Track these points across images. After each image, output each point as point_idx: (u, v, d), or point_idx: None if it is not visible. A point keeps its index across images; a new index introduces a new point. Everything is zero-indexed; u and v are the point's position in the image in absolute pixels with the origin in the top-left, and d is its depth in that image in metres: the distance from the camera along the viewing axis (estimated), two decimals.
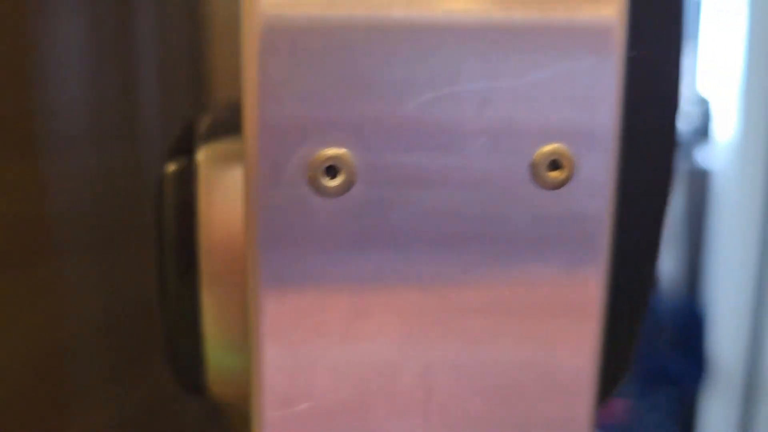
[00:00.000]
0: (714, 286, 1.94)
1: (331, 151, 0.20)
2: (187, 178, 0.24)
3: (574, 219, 0.22)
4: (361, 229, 0.21)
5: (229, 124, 0.26)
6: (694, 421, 1.96)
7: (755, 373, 1.83)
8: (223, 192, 0.24)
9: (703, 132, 2.69)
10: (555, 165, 0.22)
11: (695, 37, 2.80)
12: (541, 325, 0.23)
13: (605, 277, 0.23)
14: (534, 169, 0.21)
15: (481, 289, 0.22)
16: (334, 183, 0.21)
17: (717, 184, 1.95)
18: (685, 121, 3.15)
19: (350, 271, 0.21)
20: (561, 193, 0.22)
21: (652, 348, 1.93)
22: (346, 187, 0.20)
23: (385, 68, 0.19)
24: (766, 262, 1.80)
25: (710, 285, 1.98)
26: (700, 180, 2.01)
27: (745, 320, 1.86)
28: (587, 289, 0.23)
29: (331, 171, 0.20)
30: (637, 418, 1.91)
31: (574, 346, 0.23)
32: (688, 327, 2.01)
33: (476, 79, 0.20)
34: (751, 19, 1.60)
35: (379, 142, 0.20)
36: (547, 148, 0.22)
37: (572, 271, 0.22)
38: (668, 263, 2.07)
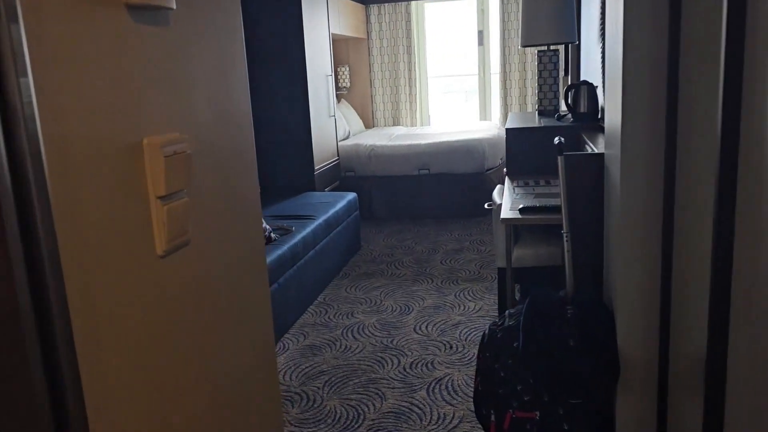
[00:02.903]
0: (618, 277, 1.86)
1: None
2: None
3: None
4: None
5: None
6: (608, 423, 1.91)
7: (668, 367, 1.83)
8: None
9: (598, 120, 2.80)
10: None
11: (597, 41, 2.97)
12: None
13: None
14: None
15: None
16: None
17: (609, 167, 1.97)
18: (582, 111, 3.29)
19: None
20: None
21: (561, 352, 1.86)
22: None
23: None
24: (669, 245, 1.75)
25: (614, 276, 1.90)
26: (598, 163, 2.09)
27: (655, 309, 1.82)
28: None
29: None
30: (551, 427, 1.87)
31: None
32: (597, 325, 1.93)
33: None
34: (626, 30, 1.79)
35: None
36: None
37: None
38: (576, 256, 2.11)
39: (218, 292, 1.06)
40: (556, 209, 2.45)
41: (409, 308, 3.48)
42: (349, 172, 5.57)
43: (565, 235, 2.02)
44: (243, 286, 1.17)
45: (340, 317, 3.41)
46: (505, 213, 2.52)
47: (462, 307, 3.45)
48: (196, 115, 0.96)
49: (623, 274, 1.90)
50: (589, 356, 1.91)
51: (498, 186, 3.13)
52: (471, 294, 3.64)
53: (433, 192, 5.46)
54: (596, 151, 2.49)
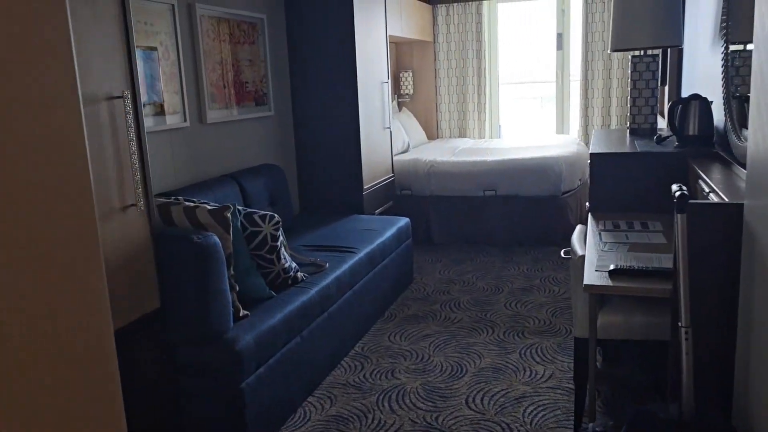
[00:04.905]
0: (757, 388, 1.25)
1: None
2: None
3: None
4: None
5: None
6: None
7: None
8: None
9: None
10: None
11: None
12: None
13: None
14: None
15: None
16: None
17: (753, 225, 1.33)
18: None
19: None
20: None
21: None
22: None
23: None
24: None
25: (761, 394, 1.29)
26: (730, 218, 1.44)
27: None
28: None
29: None
30: None
31: None
32: None
33: None
34: None
35: None
36: None
37: None
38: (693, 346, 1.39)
39: None
40: (662, 275, 1.77)
41: (462, 369, 2.85)
42: (405, 190, 4.99)
43: (684, 330, 1.36)
44: None
45: (378, 376, 2.83)
46: (590, 275, 1.87)
47: (528, 372, 2.79)
48: None
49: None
50: None
51: (578, 228, 2.46)
52: (540, 353, 2.97)
53: (499, 217, 4.79)
54: (718, 193, 1.81)
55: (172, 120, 3.10)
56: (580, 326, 2.16)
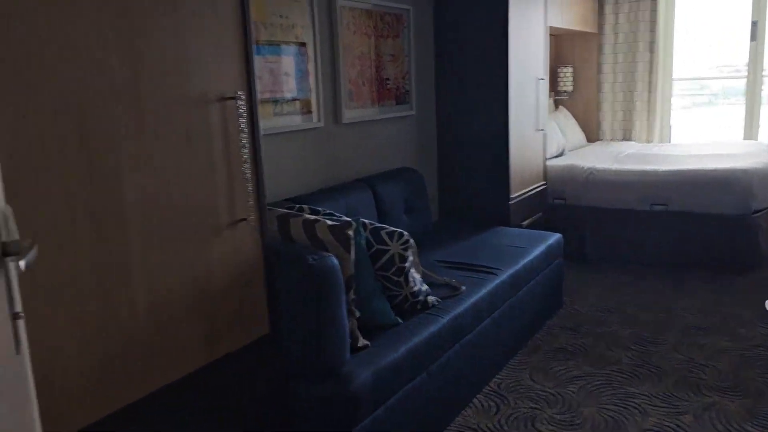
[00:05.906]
0: None
1: None
2: None
3: None
4: None
5: None
6: None
7: None
8: None
9: None
10: None
11: None
12: None
13: None
14: None
15: None
16: None
17: None
18: None
19: None
20: None
21: None
22: None
23: None
24: None
25: None
26: None
27: None
28: None
29: None
30: None
31: None
32: None
33: None
34: None
35: None
36: None
37: None
38: None
39: None
40: None
41: (619, 428, 2.36)
42: (558, 199, 4.47)
43: None
44: None
45: (515, 424, 2.42)
46: None
47: None
48: None
49: None
50: None
51: None
52: (722, 419, 2.39)
53: (670, 236, 4.12)
54: None
55: (305, 119, 2.90)
56: None
